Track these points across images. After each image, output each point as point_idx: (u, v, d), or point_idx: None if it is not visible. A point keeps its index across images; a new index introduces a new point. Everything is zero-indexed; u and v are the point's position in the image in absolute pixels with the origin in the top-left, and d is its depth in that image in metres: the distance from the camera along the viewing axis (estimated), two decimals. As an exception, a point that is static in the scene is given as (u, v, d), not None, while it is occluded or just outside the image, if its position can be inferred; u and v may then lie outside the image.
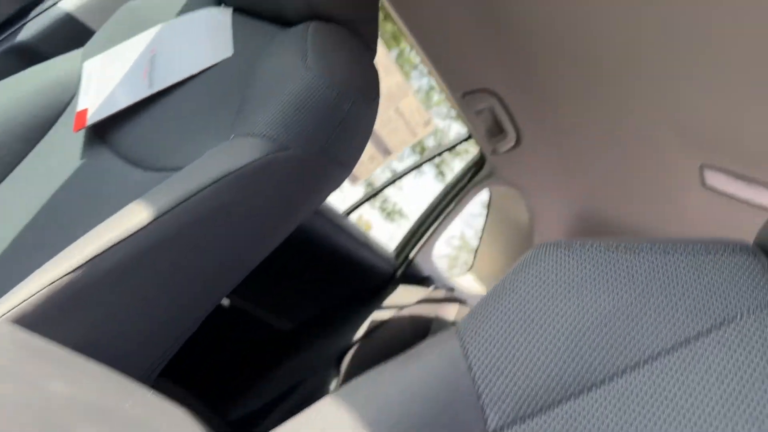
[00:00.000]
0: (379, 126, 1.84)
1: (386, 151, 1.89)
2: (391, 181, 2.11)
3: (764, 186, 1.34)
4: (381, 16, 1.07)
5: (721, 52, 1.05)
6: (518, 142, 1.80)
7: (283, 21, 0.87)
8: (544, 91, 1.57)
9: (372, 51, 0.91)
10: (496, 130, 1.81)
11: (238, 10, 0.94)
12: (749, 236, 1.50)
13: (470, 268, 2.36)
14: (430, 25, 1.45)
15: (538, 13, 1.27)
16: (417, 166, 2.14)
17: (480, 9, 1.34)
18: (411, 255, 2.03)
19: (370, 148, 1.87)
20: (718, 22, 0.99)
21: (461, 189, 2.00)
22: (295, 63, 0.75)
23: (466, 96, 1.66)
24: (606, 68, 1.31)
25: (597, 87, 1.41)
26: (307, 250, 1.71)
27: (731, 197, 1.46)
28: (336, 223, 1.76)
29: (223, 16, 0.95)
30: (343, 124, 0.75)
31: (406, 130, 1.85)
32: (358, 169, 1.93)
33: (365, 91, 0.78)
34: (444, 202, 2.01)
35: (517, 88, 1.62)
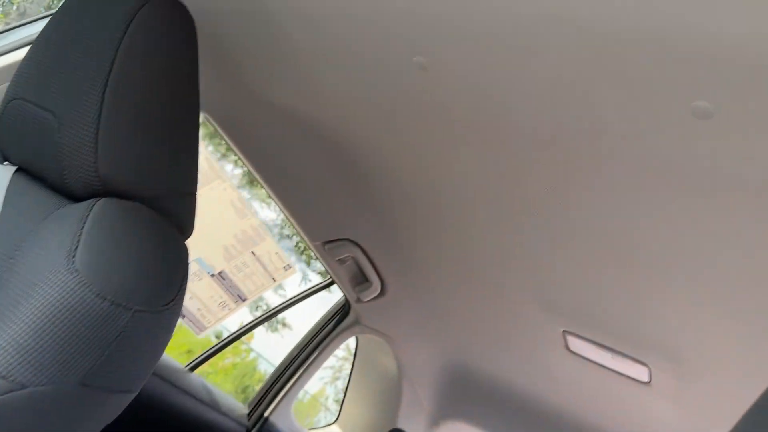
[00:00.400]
0: (233, 271, 1.67)
1: (240, 298, 1.70)
2: (264, 317, 1.90)
3: (617, 354, 1.32)
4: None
5: (578, 237, 1.02)
6: (383, 291, 1.70)
7: (68, 193, 0.70)
8: (408, 245, 1.50)
9: (185, 232, 0.76)
10: (360, 278, 1.70)
11: (23, 172, 0.77)
12: (607, 398, 1.44)
13: (336, 420, 2.15)
14: (285, 178, 1.35)
15: (401, 172, 1.21)
16: (288, 306, 1.96)
17: (339, 166, 1.26)
18: (266, 413, 1.79)
19: (222, 294, 1.68)
20: (577, 214, 0.97)
21: (324, 338, 1.84)
22: (57, 260, 0.57)
23: (326, 245, 1.55)
24: (469, 233, 1.26)
25: (460, 249, 1.35)
26: (134, 416, 1.43)
27: (591, 362, 1.42)
28: (172, 381, 1.51)
29: (1, 176, 0.76)
30: (118, 343, 0.57)
31: (264, 274, 1.70)
32: (205, 316, 1.71)
33: (156, 296, 0.62)
34: (305, 353, 1.83)
35: (379, 240, 1.53)
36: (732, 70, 0.55)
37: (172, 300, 0.64)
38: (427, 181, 1.16)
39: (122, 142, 0.67)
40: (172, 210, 0.73)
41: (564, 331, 1.36)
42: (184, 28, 0.74)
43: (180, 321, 1.77)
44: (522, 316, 1.41)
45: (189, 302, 1.69)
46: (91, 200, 0.67)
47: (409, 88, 0.88)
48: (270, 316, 1.91)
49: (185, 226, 0.76)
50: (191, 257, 1.71)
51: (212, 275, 1.65)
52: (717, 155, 0.65)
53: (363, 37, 0.84)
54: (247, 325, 1.84)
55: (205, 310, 1.68)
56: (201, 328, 1.66)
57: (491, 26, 0.67)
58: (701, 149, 0.66)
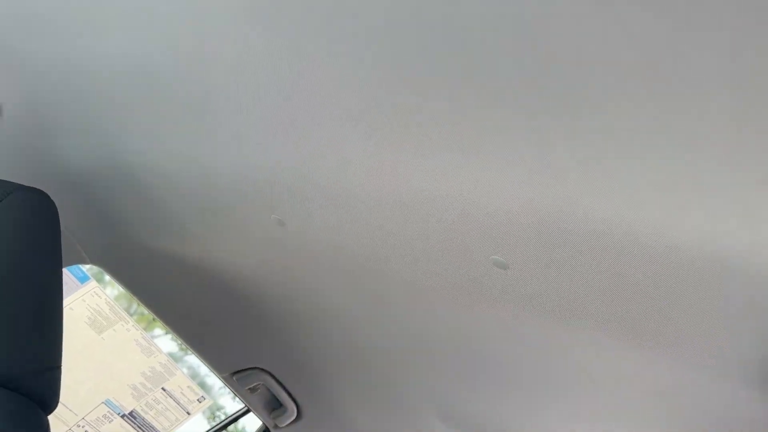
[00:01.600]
0: (144, 409, 1.65)
1: (154, 436, 1.67)
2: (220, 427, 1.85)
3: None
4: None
5: (461, 359, 1.10)
6: (299, 415, 1.70)
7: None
8: (316, 367, 1.53)
9: (48, 407, 0.79)
10: (275, 404, 1.70)
11: None
12: None
13: None
14: (183, 317, 1.38)
15: (290, 304, 1.26)
16: (242, 415, 1.92)
17: (232, 301, 1.31)
18: None
19: (134, 435, 1.64)
20: (450, 340, 1.05)
21: (246, 468, 1.80)
22: None
23: (235, 375, 1.56)
24: (365, 354, 1.31)
25: (363, 369, 1.40)
26: None
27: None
28: None
29: None
30: None
31: (177, 409, 1.68)
32: (118, 460, 1.66)
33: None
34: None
35: (287, 365, 1.56)
36: (518, 232, 0.65)
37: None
38: (314, 311, 1.22)
39: (-22, 330, 0.71)
40: (33, 388, 0.75)
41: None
42: (45, 213, 0.80)
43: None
44: (425, 428, 1.45)
45: (100, 446, 1.65)
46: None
47: (272, 239, 0.97)
48: (226, 425, 1.87)
49: (48, 402, 0.78)
50: (100, 400, 1.69)
51: (123, 416, 1.62)
52: (517, 297, 0.74)
53: (225, 197, 0.93)
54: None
55: (115, 452, 1.63)
56: (112, 473, 1.61)
57: (339, 190, 0.76)
58: (507, 293, 0.75)
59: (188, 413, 1.72)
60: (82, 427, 1.58)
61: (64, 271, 0.90)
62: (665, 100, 0.45)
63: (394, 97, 0.58)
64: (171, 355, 1.68)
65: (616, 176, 0.54)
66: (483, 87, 0.52)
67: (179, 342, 1.46)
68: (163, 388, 1.65)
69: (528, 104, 0.51)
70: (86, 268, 1.46)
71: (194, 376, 1.78)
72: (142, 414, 1.65)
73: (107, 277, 1.35)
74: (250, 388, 1.62)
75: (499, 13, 0.44)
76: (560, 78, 0.47)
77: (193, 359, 1.79)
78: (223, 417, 1.93)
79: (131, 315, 1.53)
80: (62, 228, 0.85)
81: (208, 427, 1.86)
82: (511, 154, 0.57)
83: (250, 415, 1.78)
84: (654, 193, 0.53)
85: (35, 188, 0.80)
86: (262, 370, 1.58)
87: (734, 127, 0.43)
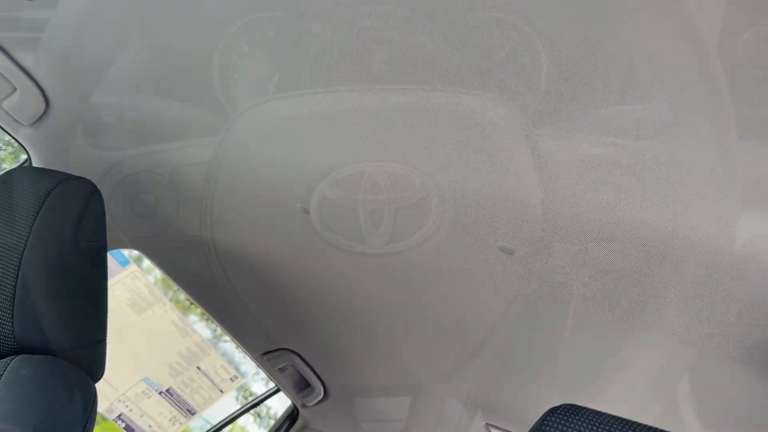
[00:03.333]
0: (180, 387, 1.75)
1: (190, 412, 1.77)
2: (247, 407, 1.95)
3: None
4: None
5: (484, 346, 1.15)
6: (326, 395, 1.78)
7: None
8: (343, 348, 1.60)
9: (96, 375, 0.87)
10: (303, 384, 1.78)
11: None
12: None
13: None
14: (217, 299, 1.47)
15: (316, 287, 1.33)
16: (248, 409, 2.02)
17: (263, 284, 1.39)
18: None
19: (171, 410, 1.74)
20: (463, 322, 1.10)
21: (275, 445, 1.89)
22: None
23: (265, 356, 1.65)
24: (392, 340, 1.38)
25: (386, 353, 1.46)
26: None
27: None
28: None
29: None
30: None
31: (211, 387, 1.77)
32: (155, 435, 1.77)
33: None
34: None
35: (315, 346, 1.64)
36: (524, 221, 0.71)
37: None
38: (338, 296, 1.29)
39: (36, 308, 0.79)
40: (82, 358, 0.84)
41: (486, 423, 1.45)
42: (92, 202, 0.88)
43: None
44: (445, 411, 1.51)
45: (140, 420, 1.75)
46: (8, 358, 0.78)
47: (298, 226, 1.04)
48: (252, 407, 1.96)
49: (95, 371, 0.86)
50: (139, 377, 1.79)
51: (160, 393, 1.72)
52: (522, 278, 0.80)
53: (255, 187, 1.00)
54: (230, 416, 1.89)
55: (156, 426, 1.74)
56: (150, 446, 1.71)
57: (355, 180, 0.82)
58: (511, 273, 0.80)
59: (221, 391, 1.82)
60: (123, 402, 1.69)
61: (108, 254, 0.99)
62: (658, 98, 0.49)
63: (410, 101, 0.64)
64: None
65: (615, 174, 0.58)
66: (490, 96, 0.57)
67: (213, 325, 1.54)
68: (198, 367, 1.74)
69: (532, 108, 0.56)
70: (127, 252, 1.56)
71: (229, 362, 1.87)
72: (178, 391, 1.74)
73: (146, 263, 1.44)
74: (279, 368, 1.70)
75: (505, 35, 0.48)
76: (556, 91, 0.52)
77: (227, 346, 1.89)
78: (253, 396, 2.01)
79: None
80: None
81: (240, 405, 1.95)
82: (516, 155, 0.62)
83: (280, 394, 1.86)
84: (657, 189, 0.58)
85: (83, 177, 0.88)
86: (291, 351, 1.65)
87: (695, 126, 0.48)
